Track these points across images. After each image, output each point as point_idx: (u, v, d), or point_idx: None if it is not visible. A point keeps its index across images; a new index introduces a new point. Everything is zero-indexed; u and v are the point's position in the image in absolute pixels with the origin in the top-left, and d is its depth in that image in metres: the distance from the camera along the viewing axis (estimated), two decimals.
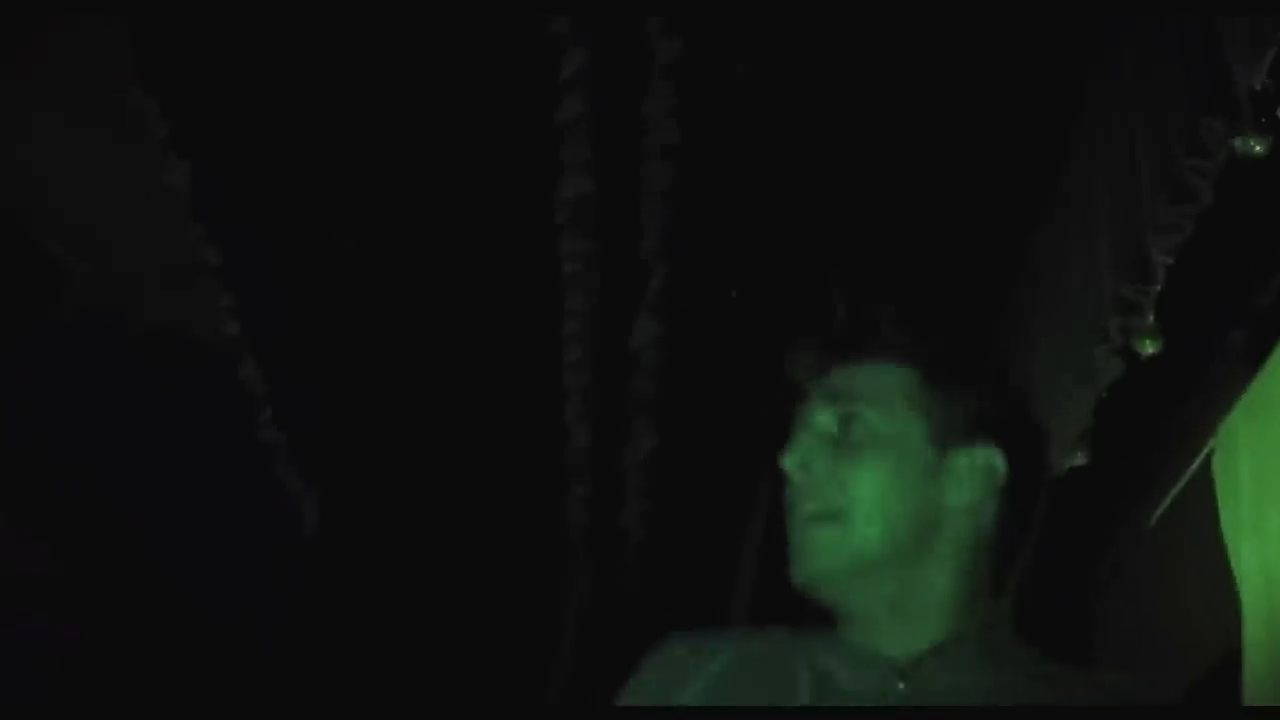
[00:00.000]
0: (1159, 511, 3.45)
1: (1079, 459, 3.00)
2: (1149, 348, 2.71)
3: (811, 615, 1.41)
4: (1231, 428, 2.93)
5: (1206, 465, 3.08)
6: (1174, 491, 3.36)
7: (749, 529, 4.27)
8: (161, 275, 3.62)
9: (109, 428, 4.59)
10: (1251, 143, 2.29)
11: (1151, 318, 2.65)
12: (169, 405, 4.51)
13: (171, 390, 4.45)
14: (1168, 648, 3.19)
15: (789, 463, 1.36)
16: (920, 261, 2.81)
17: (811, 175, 2.87)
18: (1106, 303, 2.63)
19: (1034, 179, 2.85)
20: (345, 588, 5.06)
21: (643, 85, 2.65)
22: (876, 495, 1.33)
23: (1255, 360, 2.82)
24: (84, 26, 2.91)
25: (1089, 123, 2.72)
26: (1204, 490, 3.05)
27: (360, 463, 4.62)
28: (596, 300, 3.30)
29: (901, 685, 1.28)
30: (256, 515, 4.76)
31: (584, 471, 4.31)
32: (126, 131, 2.89)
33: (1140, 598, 3.53)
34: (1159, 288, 2.57)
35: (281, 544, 4.90)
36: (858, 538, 1.32)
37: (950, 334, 1.43)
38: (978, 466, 1.34)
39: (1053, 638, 1.44)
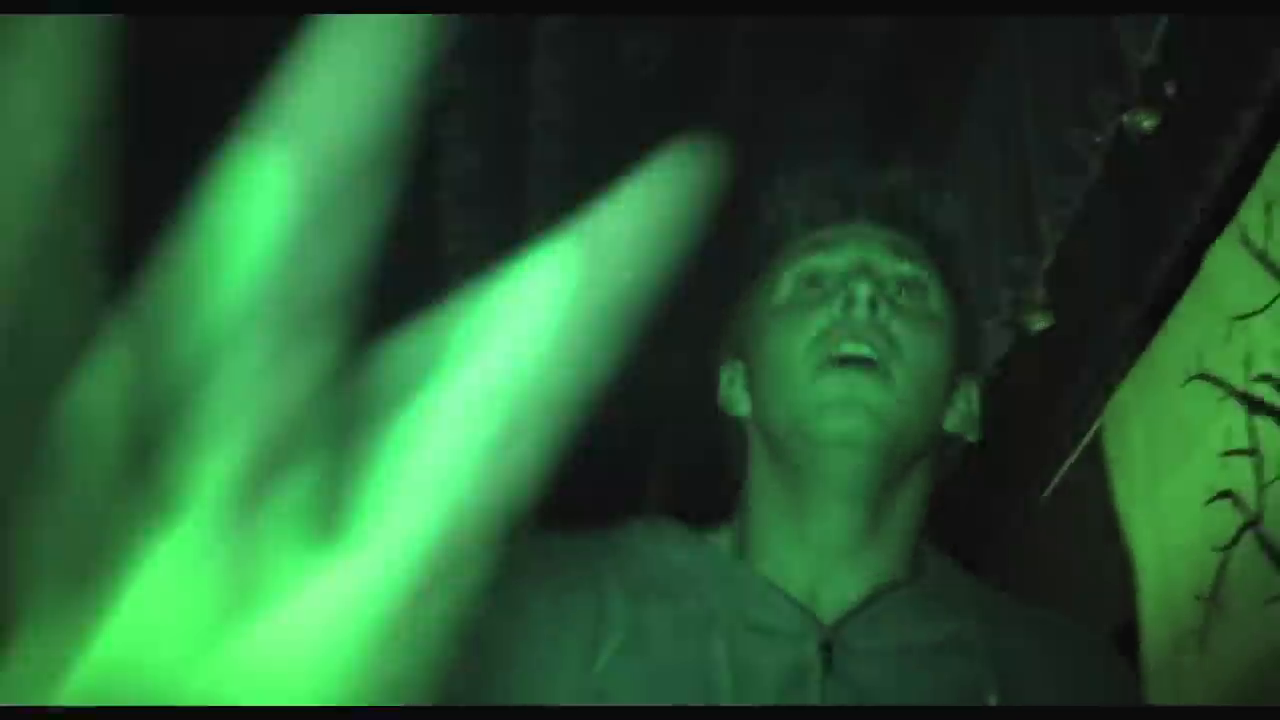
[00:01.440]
0: (1050, 486, 3.47)
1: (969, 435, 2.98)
2: (1038, 323, 2.70)
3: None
4: (1122, 401, 2.94)
5: (1096, 439, 3.10)
6: (1065, 467, 3.37)
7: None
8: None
9: None
10: (1141, 118, 2.29)
11: (1041, 291, 2.65)
12: None
13: None
14: None
15: (866, 288, 1.13)
16: None
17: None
18: (996, 275, 2.62)
19: (929, 148, 2.83)
20: None
21: (526, 57, 2.57)
22: (922, 372, 1.14)
23: (1144, 335, 2.83)
24: None
25: (981, 93, 2.70)
26: (1095, 464, 3.07)
27: None
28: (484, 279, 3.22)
29: (824, 658, 1.09)
30: None
31: None
32: None
33: (1033, 574, 3.55)
34: (1048, 261, 2.57)
35: None
36: (895, 402, 1.11)
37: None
38: (972, 402, 1.21)
39: None
